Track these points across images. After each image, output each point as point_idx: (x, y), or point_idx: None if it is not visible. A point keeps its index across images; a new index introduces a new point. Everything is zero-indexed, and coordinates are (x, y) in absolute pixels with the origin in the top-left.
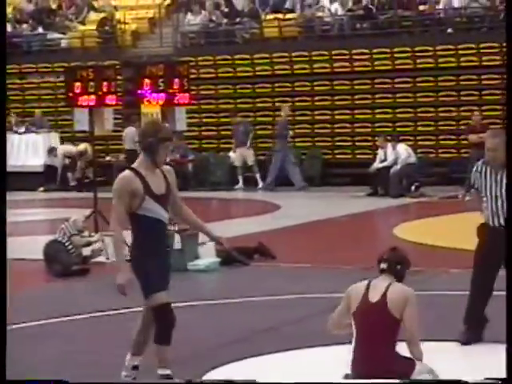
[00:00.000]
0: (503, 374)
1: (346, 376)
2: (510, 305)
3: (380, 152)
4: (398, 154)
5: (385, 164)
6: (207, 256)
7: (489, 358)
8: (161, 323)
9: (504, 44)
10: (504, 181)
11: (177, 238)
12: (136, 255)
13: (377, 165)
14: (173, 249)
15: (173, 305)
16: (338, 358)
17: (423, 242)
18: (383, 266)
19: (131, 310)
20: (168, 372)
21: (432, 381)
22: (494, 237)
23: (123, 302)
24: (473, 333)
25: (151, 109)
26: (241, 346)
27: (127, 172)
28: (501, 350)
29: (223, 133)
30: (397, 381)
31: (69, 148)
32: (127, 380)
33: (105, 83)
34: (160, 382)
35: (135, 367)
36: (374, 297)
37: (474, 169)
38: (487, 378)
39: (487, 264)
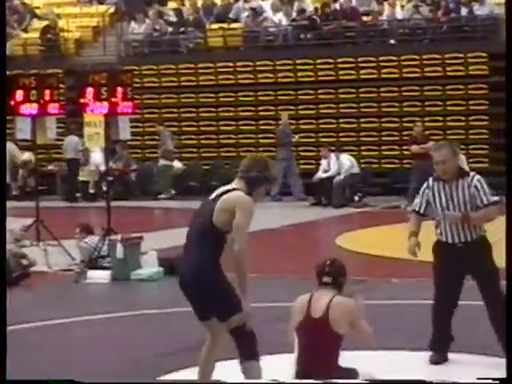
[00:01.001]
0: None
1: None
2: (510, 307)
3: (323, 162)
4: (341, 164)
5: (328, 174)
6: (150, 265)
7: (443, 368)
8: (250, 339)
9: (446, 55)
10: (457, 193)
11: (119, 247)
12: (218, 272)
13: (320, 175)
14: (116, 258)
15: (116, 315)
16: (282, 368)
17: (366, 252)
18: (326, 279)
19: (73, 319)
20: None
21: (402, 381)
22: (453, 254)
23: (65, 312)
24: (441, 354)
25: (94, 118)
26: (187, 355)
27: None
28: (460, 359)
29: None
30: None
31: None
32: None
33: (47, 91)
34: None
35: None
36: (317, 312)
37: (424, 186)
38: (479, 378)
39: (450, 283)
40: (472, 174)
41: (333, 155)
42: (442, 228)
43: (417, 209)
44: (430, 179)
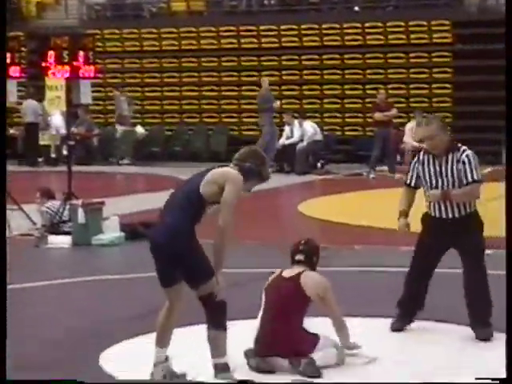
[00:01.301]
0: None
1: (248, 351)
2: (509, 302)
3: (286, 129)
4: (304, 131)
5: (291, 141)
6: (111, 230)
7: (404, 335)
8: (221, 308)
9: (410, 23)
10: (446, 168)
11: (80, 212)
12: (192, 239)
13: (283, 141)
14: (77, 223)
15: (77, 279)
16: (243, 333)
17: (328, 219)
18: (299, 257)
19: (34, 284)
20: (226, 360)
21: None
22: (440, 229)
23: (25, 277)
24: (403, 321)
25: (56, 81)
26: (146, 320)
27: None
28: (423, 327)
29: None
30: None
31: None
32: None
33: (8, 54)
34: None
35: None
36: (289, 274)
37: (415, 160)
38: (477, 378)
39: (430, 256)
40: (463, 148)
41: (296, 122)
42: (431, 202)
43: (408, 181)
44: (421, 153)
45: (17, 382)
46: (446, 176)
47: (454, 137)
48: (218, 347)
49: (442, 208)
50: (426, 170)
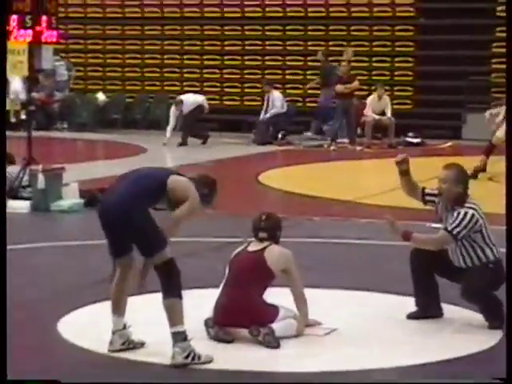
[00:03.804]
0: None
1: (208, 320)
2: (509, 302)
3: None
4: (273, 101)
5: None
6: (71, 197)
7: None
8: (176, 276)
9: None
10: (449, 218)
11: (40, 177)
12: (146, 211)
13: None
14: (36, 189)
15: (35, 245)
16: (201, 302)
17: (288, 190)
18: (262, 235)
19: None
20: (183, 329)
21: None
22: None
23: None
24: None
25: (18, 46)
26: (104, 287)
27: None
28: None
29: (90, 74)
30: None
31: None
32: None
33: None
34: None
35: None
36: (253, 248)
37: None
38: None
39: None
40: (467, 205)
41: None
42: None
43: (426, 190)
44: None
45: (17, 382)
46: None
47: (415, 110)
48: (174, 316)
49: (452, 252)
50: (439, 208)
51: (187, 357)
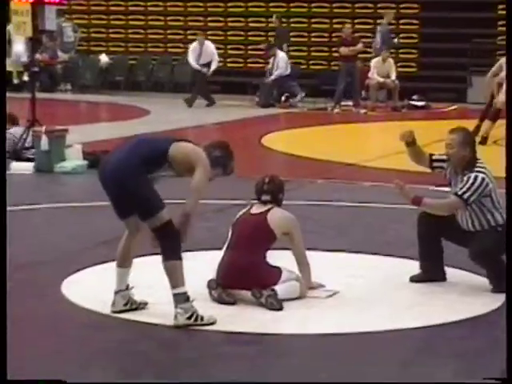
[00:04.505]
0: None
1: (210, 282)
2: (510, 303)
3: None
4: (278, 63)
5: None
6: (74, 158)
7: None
8: (175, 238)
9: None
10: (458, 182)
11: (44, 139)
12: (141, 175)
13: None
14: (40, 150)
15: (38, 206)
16: (204, 264)
17: (291, 153)
18: (265, 197)
19: None
20: (185, 290)
21: None
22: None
23: None
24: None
25: (21, 6)
26: (107, 248)
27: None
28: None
29: (93, 35)
30: None
31: None
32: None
33: None
34: None
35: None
36: (256, 211)
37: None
38: (485, 378)
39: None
40: (477, 168)
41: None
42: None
43: (434, 156)
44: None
45: (17, 382)
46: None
47: (420, 73)
48: (175, 277)
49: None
50: (448, 173)
51: (190, 317)
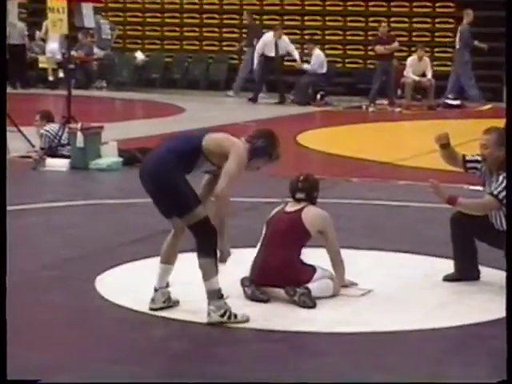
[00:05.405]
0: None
1: (244, 279)
2: (509, 303)
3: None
4: (315, 60)
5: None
6: (109, 155)
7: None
8: (210, 235)
9: None
10: (493, 182)
11: (79, 136)
12: (179, 173)
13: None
14: (75, 147)
15: (73, 203)
16: (238, 262)
17: (326, 151)
18: (300, 195)
19: (29, 206)
20: (218, 287)
21: None
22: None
23: (22, 198)
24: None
25: (58, 3)
26: (141, 245)
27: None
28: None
29: (129, 33)
30: None
31: None
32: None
33: None
34: None
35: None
36: (291, 209)
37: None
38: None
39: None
40: None
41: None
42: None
43: (467, 157)
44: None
45: (17, 382)
46: (492, 189)
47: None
48: (209, 274)
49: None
50: (482, 174)
51: (223, 315)
